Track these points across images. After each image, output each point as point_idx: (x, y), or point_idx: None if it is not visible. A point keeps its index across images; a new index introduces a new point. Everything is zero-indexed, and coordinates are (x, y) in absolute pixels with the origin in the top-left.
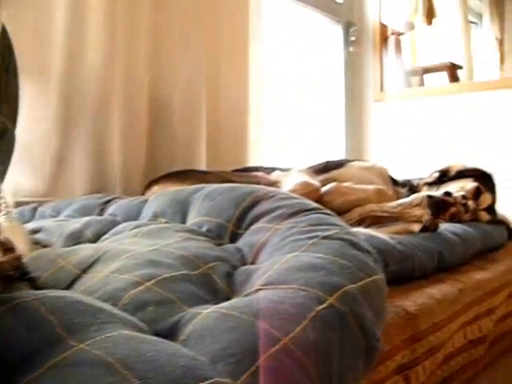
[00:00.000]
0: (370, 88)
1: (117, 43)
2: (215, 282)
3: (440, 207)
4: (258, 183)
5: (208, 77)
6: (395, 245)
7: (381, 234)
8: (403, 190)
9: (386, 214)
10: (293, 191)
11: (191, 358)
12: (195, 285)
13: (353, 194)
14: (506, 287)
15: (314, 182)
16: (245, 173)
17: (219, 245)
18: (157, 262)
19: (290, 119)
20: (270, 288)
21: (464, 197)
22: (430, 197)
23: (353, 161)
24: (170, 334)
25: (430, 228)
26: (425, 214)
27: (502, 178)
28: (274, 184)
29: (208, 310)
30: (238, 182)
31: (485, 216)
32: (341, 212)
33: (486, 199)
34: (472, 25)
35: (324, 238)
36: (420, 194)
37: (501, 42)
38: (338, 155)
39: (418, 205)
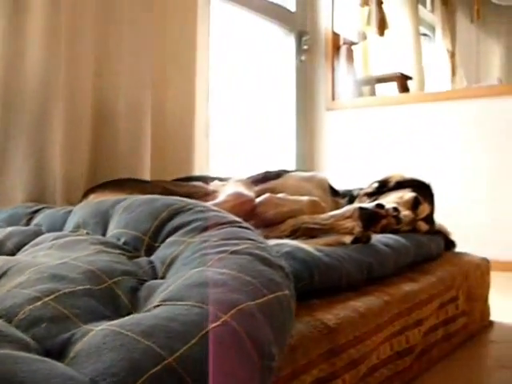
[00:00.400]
0: (321, 97)
1: (60, 49)
2: (119, 297)
3: (371, 219)
4: (197, 193)
5: (154, 85)
6: (321, 257)
7: (308, 245)
8: (343, 201)
9: (317, 226)
10: (225, 202)
11: (67, 377)
12: (96, 300)
13: (286, 205)
14: (436, 298)
15: (248, 192)
16: (185, 182)
17: (134, 258)
18: (60, 276)
19: (241, 128)
20: (167, 304)
21: (395, 209)
22: (361, 209)
23: (292, 171)
24: (61, 351)
25: (362, 240)
26: (356, 226)
27: (446, 188)
28: (211, 194)
29: (99, 328)
30: (176, 192)
31: (423, 226)
32: (274, 223)
33: (424, 209)
34: (425, 37)
35: (232, 252)
36: (352, 206)
37: (452, 55)
38: (289, 164)
39: (349, 217)
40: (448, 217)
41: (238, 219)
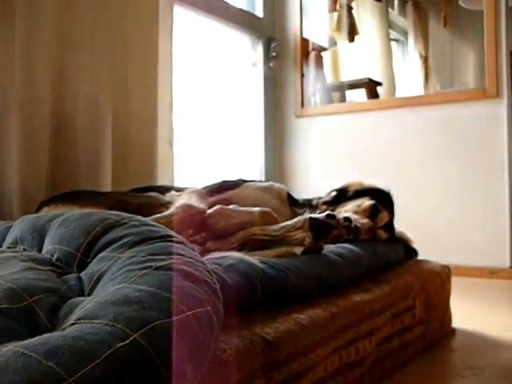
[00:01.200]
0: (290, 103)
1: (14, 60)
2: (37, 315)
3: (322, 230)
4: (151, 204)
5: (114, 93)
6: (265, 268)
7: (253, 257)
8: (301, 211)
9: (267, 238)
10: (174, 214)
11: None
12: (12, 319)
13: (236, 216)
14: (389, 308)
15: (198, 204)
16: (142, 193)
17: (65, 274)
18: None
19: (207, 137)
20: (81, 322)
21: (347, 219)
22: (311, 219)
23: (250, 181)
24: None
25: (313, 250)
26: (306, 236)
27: (417, 194)
28: (165, 205)
29: (5, 349)
30: (130, 204)
31: (383, 234)
32: (225, 235)
33: (383, 217)
34: (397, 42)
35: (156, 268)
36: (302, 217)
37: (425, 59)
38: (257, 172)
39: (300, 227)
40: (413, 223)
41: (171, 233)
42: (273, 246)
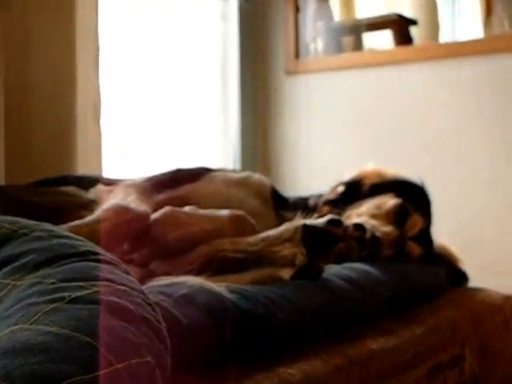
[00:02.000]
0: (278, 54)
1: None
2: None
3: (322, 243)
4: (66, 204)
5: (6, 48)
6: (237, 301)
7: (219, 284)
8: (292, 214)
9: (241, 255)
10: (100, 221)
11: None
12: None
13: (196, 223)
14: (423, 360)
15: (138, 205)
16: (53, 187)
17: None
18: None
19: (155, 109)
20: None
21: (359, 226)
22: (306, 228)
23: (216, 170)
24: None
25: (309, 274)
26: (298, 253)
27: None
28: (88, 206)
29: None
30: (36, 204)
31: (415, 249)
32: (178, 251)
33: (415, 223)
34: None
35: (72, 300)
36: (293, 224)
37: None
38: (228, 156)
39: (289, 240)
40: (461, 231)
41: (95, 249)
42: (249, 268)
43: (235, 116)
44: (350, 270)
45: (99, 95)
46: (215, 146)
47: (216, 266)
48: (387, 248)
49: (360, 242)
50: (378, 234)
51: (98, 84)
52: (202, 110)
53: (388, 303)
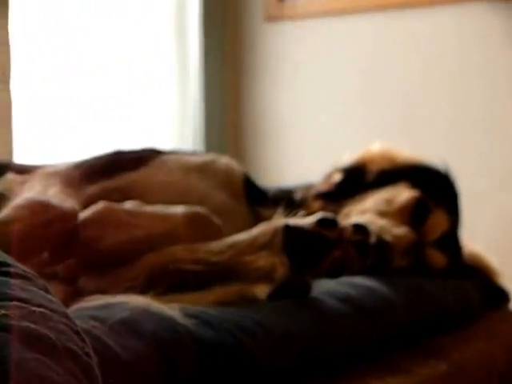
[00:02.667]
0: None
1: None
2: None
3: (309, 250)
4: None
5: None
6: (196, 329)
7: (171, 305)
8: (271, 212)
9: (201, 267)
10: (13, 221)
11: None
12: None
13: (139, 225)
14: None
15: (62, 200)
16: None
17: None
18: None
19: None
20: None
21: (360, 228)
22: (289, 230)
23: (169, 153)
24: None
25: (293, 291)
26: (278, 264)
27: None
28: None
29: None
30: None
31: (437, 257)
32: (117, 262)
33: (438, 223)
34: None
35: None
36: (272, 225)
37: None
38: (186, 133)
39: (266, 246)
40: (497, 236)
41: (3, 259)
42: (212, 284)
43: (196, 78)
44: (349, 286)
45: (9, 49)
46: (168, 120)
47: (167, 282)
48: (400, 257)
49: (362, 249)
50: (387, 237)
51: (7, 36)
52: (150, 70)
53: (400, 331)
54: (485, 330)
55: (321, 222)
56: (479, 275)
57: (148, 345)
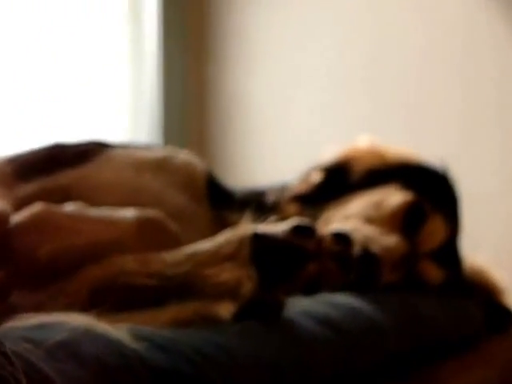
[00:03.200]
0: None
1: None
2: None
3: (282, 263)
4: None
5: None
6: (147, 354)
7: (117, 326)
8: (238, 216)
9: (155, 281)
10: None
11: None
12: None
13: (82, 230)
14: None
15: None
16: None
17: None
18: None
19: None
20: None
21: (340, 237)
22: (259, 238)
23: (118, 146)
24: None
25: (262, 310)
26: (245, 278)
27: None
28: None
29: None
30: None
31: (434, 272)
32: (56, 274)
33: (435, 231)
34: None
35: None
36: (238, 232)
37: None
38: (142, 122)
39: (231, 257)
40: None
41: None
42: (168, 301)
43: (153, 62)
44: (329, 305)
45: None
46: (120, 108)
47: (114, 298)
48: (389, 271)
49: (344, 262)
50: (374, 248)
51: None
52: (99, 52)
53: (389, 359)
54: (487, 357)
55: (296, 229)
56: (482, 293)
57: (90, 371)
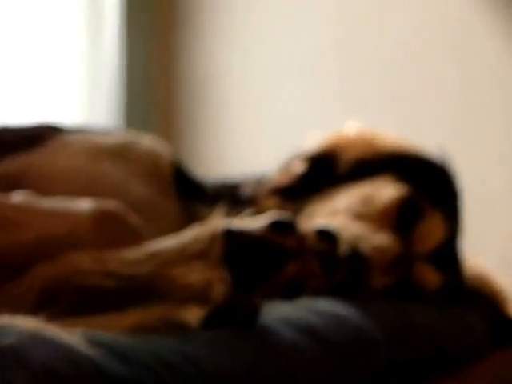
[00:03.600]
0: None
1: None
2: None
3: (258, 262)
4: None
5: None
6: (104, 362)
7: (71, 331)
8: (210, 210)
9: (113, 283)
10: None
11: None
12: None
13: (31, 224)
14: None
15: None
16: None
17: None
18: None
19: None
20: None
21: (325, 234)
22: (232, 234)
23: (73, 131)
24: None
25: (235, 317)
26: (215, 280)
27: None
28: None
29: None
30: None
31: (431, 276)
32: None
33: (432, 229)
34: None
35: None
36: (209, 228)
37: None
38: (98, 103)
39: (200, 255)
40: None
41: None
42: (129, 304)
43: (113, 33)
44: (311, 312)
45: None
46: (75, 86)
47: (67, 300)
48: (380, 274)
49: (329, 262)
50: (363, 247)
51: None
52: (52, 20)
53: (379, 373)
54: (490, 372)
55: (274, 224)
56: (484, 301)
57: (37, 378)
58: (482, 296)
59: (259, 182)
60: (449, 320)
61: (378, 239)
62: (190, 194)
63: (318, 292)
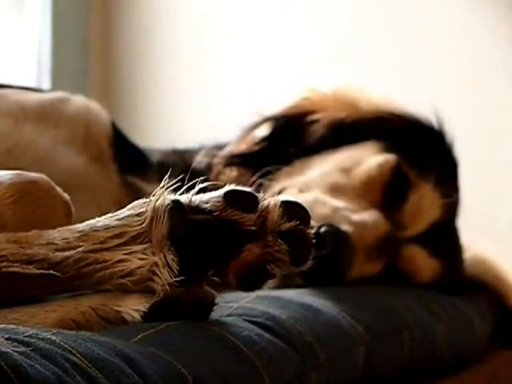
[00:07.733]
0: None
1: None
2: None
3: (211, 244)
4: None
5: None
6: (18, 359)
7: None
8: (155, 184)
9: (35, 269)
10: None
11: None
12: None
13: None
14: None
15: None
16: None
17: None
18: None
19: None
20: None
21: (295, 209)
22: (179, 210)
23: None
24: None
25: (184, 309)
26: (160, 265)
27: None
28: None
29: None
30: None
31: (424, 262)
32: None
33: (423, 205)
34: None
35: None
36: (153, 203)
37: None
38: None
39: (141, 236)
40: None
41: None
42: (56, 294)
43: None
44: (276, 304)
45: None
46: None
47: None
48: (363, 258)
49: (297, 244)
50: (342, 226)
51: None
52: None
53: (361, 377)
54: (490, 375)
55: (231, 198)
56: (486, 293)
57: None
58: (483, 286)
59: (215, 150)
60: (445, 315)
61: (360, 216)
62: (131, 165)
63: (284, 280)
